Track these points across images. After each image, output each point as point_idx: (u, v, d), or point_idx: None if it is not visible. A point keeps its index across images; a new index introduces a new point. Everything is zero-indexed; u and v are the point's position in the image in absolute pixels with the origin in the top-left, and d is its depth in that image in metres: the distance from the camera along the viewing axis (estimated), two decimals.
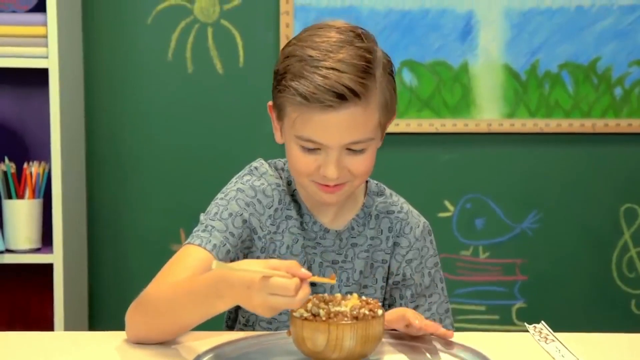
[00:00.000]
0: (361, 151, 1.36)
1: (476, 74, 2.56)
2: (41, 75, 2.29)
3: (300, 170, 1.39)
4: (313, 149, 1.35)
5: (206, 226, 1.42)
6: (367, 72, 1.33)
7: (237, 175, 1.51)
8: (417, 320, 1.25)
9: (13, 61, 2.24)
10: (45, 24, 2.22)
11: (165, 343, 1.29)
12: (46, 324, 2.36)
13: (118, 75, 2.53)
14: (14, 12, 2.29)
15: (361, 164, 1.37)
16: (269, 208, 1.46)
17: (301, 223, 1.48)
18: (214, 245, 1.38)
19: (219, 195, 1.48)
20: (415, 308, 1.49)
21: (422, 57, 2.55)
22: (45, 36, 2.22)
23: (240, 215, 1.43)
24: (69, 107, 2.34)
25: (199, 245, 1.38)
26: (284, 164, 1.54)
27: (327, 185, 1.37)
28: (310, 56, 1.33)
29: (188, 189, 2.55)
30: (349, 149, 1.35)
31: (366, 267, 1.50)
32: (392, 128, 2.47)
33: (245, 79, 2.54)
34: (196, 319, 1.25)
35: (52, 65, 2.22)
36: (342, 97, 1.30)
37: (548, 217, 2.62)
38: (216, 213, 1.44)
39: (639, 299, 2.64)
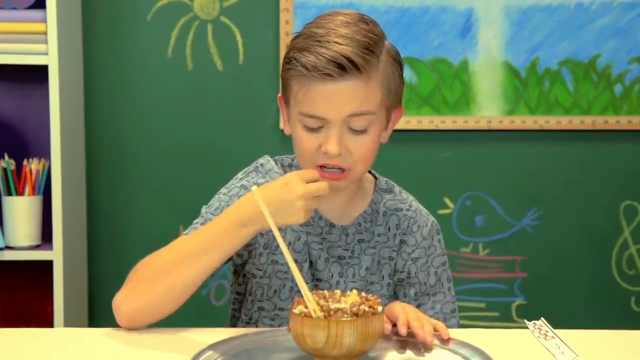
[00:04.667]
0: (363, 131, 1.37)
1: (476, 71, 2.55)
2: (41, 72, 2.29)
3: (303, 152, 1.39)
4: (316, 127, 1.36)
5: (205, 220, 1.43)
6: (369, 49, 1.35)
7: (243, 171, 1.52)
8: (404, 327, 1.25)
9: (13, 58, 2.24)
10: (44, 20, 2.21)
11: (165, 340, 1.29)
12: (46, 321, 2.36)
13: (118, 72, 2.53)
14: (13, 8, 2.29)
15: (362, 145, 1.37)
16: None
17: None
18: None
19: (223, 190, 1.50)
20: (418, 306, 1.49)
21: (422, 54, 2.55)
22: (45, 33, 2.22)
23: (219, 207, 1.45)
24: (69, 104, 2.34)
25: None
26: (292, 160, 1.54)
27: (326, 167, 1.38)
28: (315, 33, 1.36)
29: (188, 186, 2.55)
30: (350, 128, 1.36)
31: (373, 264, 1.50)
32: None
33: (245, 76, 2.54)
34: (211, 264, 1.30)
35: (52, 62, 2.22)
36: (342, 67, 1.32)
37: (548, 214, 2.62)
38: (217, 208, 1.45)
39: (639, 296, 2.64)
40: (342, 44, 1.33)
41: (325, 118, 1.35)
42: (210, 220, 1.42)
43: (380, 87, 1.37)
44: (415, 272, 1.51)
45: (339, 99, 1.34)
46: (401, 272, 1.52)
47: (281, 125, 2.52)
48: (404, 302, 1.49)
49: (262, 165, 1.51)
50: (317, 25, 1.38)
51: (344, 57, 1.32)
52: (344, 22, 1.37)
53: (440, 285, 1.53)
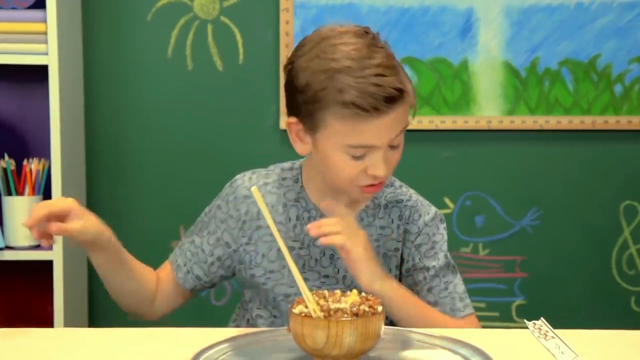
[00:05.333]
0: (397, 146, 1.42)
1: (476, 71, 2.55)
2: (41, 72, 2.29)
3: (346, 177, 1.41)
4: (361, 155, 1.39)
5: (183, 243, 1.57)
6: (401, 68, 1.39)
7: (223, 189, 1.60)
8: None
9: (13, 58, 2.24)
10: (44, 20, 2.21)
11: (165, 340, 1.29)
12: (46, 321, 2.36)
13: (118, 72, 2.53)
14: (13, 8, 2.29)
15: (396, 156, 1.43)
16: (238, 221, 1.52)
17: (308, 218, 1.50)
18: (178, 265, 1.56)
19: (206, 209, 1.59)
20: (430, 289, 1.51)
21: (422, 55, 2.55)
22: (45, 33, 2.22)
23: (214, 233, 1.53)
24: (69, 104, 2.34)
25: (169, 260, 1.58)
26: (293, 165, 1.56)
27: (371, 185, 1.42)
28: (348, 66, 1.35)
29: (187, 186, 2.55)
30: (390, 146, 1.40)
31: (378, 257, 1.50)
32: None
33: (245, 76, 2.54)
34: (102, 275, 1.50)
35: (52, 62, 2.22)
36: (393, 100, 1.35)
37: (548, 214, 2.62)
38: (200, 229, 1.56)
39: (639, 296, 2.64)
40: (386, 76, 1.34)
41: (374, 146, 1.38)
42: (187, 242, 1.56)
43: (410, 100, 1.41)
44: (419, 259, 1.52)
45: (388, 127, 1.37)
46: (407, 261, 1.53)
47: (281, 126, 2.52)
48: (416, 291, 1.51)
49: (235, 180, 1.57)
50: (339, 56, 1.36)
51: (394, 89, 1.34)
52: (364, 46, 1.36)
53: (447, 267, 1.54)
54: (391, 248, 1.52)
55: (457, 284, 1.54)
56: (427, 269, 1.52)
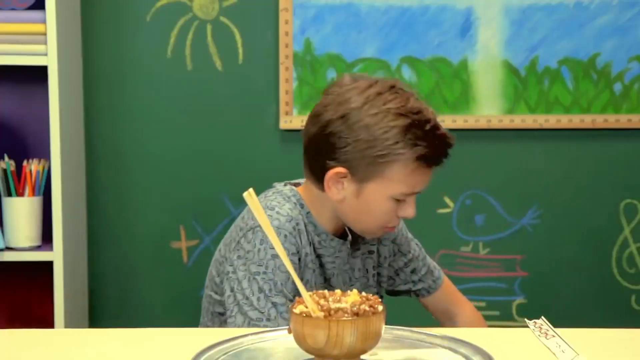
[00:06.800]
0: None
1: (476, 70, 2.55)
2: (40, 73, 2.29)
3: (382, 222, 1.49)
4: (403, 200, 1.47)
5: (269, 310, 1.44)
6: None
7: (257, 237, 1.49)
8: None
9: (12, 59, 2.24)
10: (44, 21, 2.21)
11: (165, 340, 1.29)
12: (46, 322, 2.36)
13: (117, 72, 2.53)
14: (13, 9, 2.29)
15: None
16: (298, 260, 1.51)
17: (319, 242, 1.53)
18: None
19: (257, 269, 1.47)
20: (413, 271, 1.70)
21: (422, 54, 2.55)
22: (45, 33, 2.22)
23: (288, 279, 1.45)
24: (69, 104, 2.34)
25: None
26: (291, 191, 1.54)
27: (394, 226, 1.52)
28: (418, 120, 1.44)
29: (187, 186, 2.54)
30: None
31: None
32: None
33: (244, 76, 2.54)
34: None
35: (52, 62, 2.21)
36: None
37: (548, 213, 2.61)
38: (270, 289, 1.45)
39: (639, 294, 2.64)
40: (445, 132, 1.48)
41: (419, 192, 1.48)
42: (273, 303, 1.44)
43: None
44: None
45: (431, 175, 1.49)
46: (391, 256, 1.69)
47: (281, 126, 2.52)
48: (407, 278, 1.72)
49: (277, 227, 1.47)
50: (397, 105, 1.43)
51: (452, 144, 1.47)
52: (415, 100, 1.47)
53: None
54: (366, 251, 1.65)
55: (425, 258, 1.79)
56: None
